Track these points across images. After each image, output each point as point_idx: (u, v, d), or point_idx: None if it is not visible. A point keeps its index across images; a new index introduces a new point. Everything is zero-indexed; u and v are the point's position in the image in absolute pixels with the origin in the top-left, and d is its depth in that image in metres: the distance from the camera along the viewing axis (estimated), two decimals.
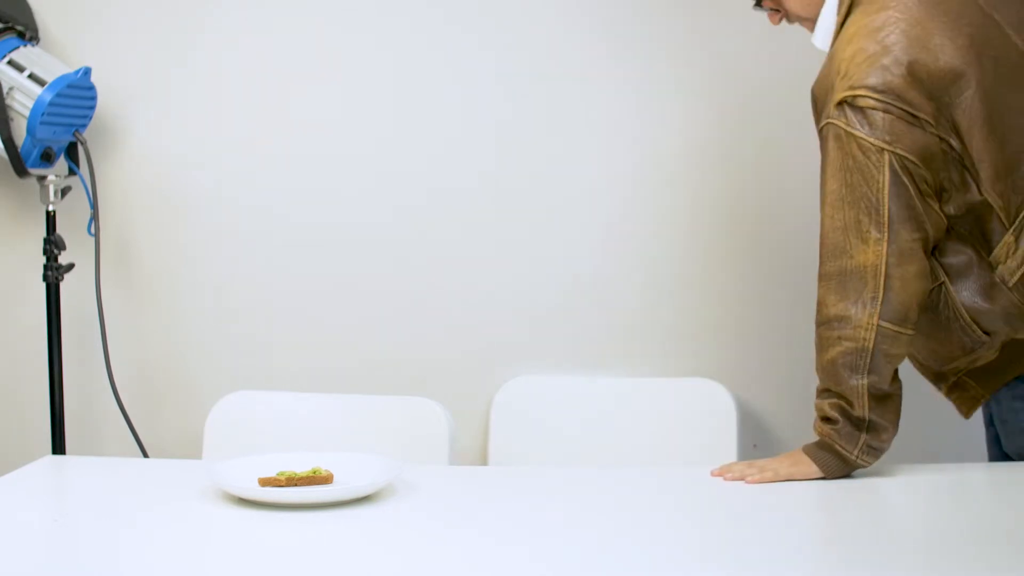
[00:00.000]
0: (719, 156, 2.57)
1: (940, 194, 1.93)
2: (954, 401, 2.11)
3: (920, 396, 2.60)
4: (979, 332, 1.97)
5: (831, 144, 1.93)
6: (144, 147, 2.63)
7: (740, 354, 2.61)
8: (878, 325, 1.89)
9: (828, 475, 1.96)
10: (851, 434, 1.93)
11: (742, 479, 1.95)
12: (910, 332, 1.91)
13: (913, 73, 1.87)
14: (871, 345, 1.90)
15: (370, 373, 2.62)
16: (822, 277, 1.94)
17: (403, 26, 2.59)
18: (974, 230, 1.95)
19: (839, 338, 1.92)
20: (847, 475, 1.96)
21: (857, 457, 1.94)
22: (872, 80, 1.88)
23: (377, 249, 2.63)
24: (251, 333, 2.65)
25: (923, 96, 1.88)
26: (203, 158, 2.63)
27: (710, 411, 2.53)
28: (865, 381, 1.91)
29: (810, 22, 2.07)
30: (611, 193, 2.61)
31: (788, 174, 2.57)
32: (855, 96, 1.88)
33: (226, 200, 2.63)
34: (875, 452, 1.94)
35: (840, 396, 1.93)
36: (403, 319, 2.64)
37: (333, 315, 2.64)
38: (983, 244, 1.95)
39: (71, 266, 2.54)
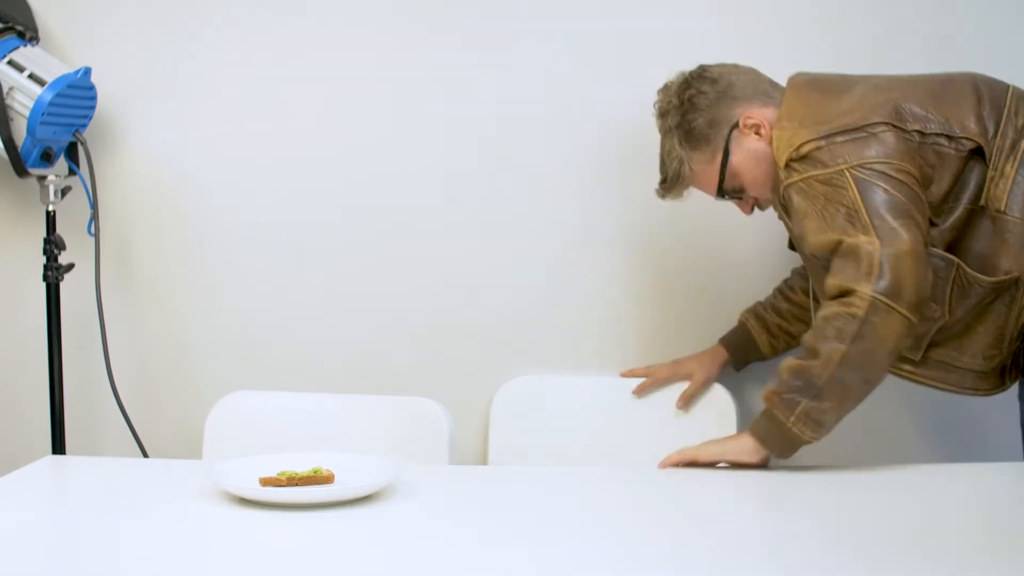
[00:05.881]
0: None
1: (927, 180, 2.04)
2: (1014, 378, 2.15)
3: (920, 398, 2.60)
4: (1000, 275, 2.05)
5: (796, 200, 2.05)
6: (144, 147, 2.63)
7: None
8: (872, 296, 1.94)
9: (764, 444, 2.00)
10: (791, 400, 1.97)
11: (685, 460, 2.04)
12: (904, 311, 1.95)
13: (829, 117, 2.06)
14: (863, 315, 1.94)
15: (370, 373, 2.62)
16: (826, 279, 2.01)
17: (404, 28, 2.59)
18: (964, 192, 2.06)
19: (840, 303, 1.97)
20: (789, 452, 1.99)
21: (793, 424, 1.95)
22: (804, 134, 2.05)
23: (377, 250, 2.63)
24: (251, 333, 2.65)
25: (854, 114, 2.05)
26: (203, 158, 2.63)
27: (710, 411, 2.53)
28: (843, 348, 1.94)
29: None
30: (611, 195, 2.61)
31: None
32: (797, 149, 2.04)
33: (226, 200, 2.63)
34: (814, 425, 1.97)
35: (811, 354, 1.97)
36: (403, 319, 2.64)
37: (333, 315, 2.64)
38: (977, 198, 2.06)
39: (71, 266, 2.54)
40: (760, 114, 2.16)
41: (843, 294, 1.97)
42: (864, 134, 2.03)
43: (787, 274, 2.50)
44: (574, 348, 2.63)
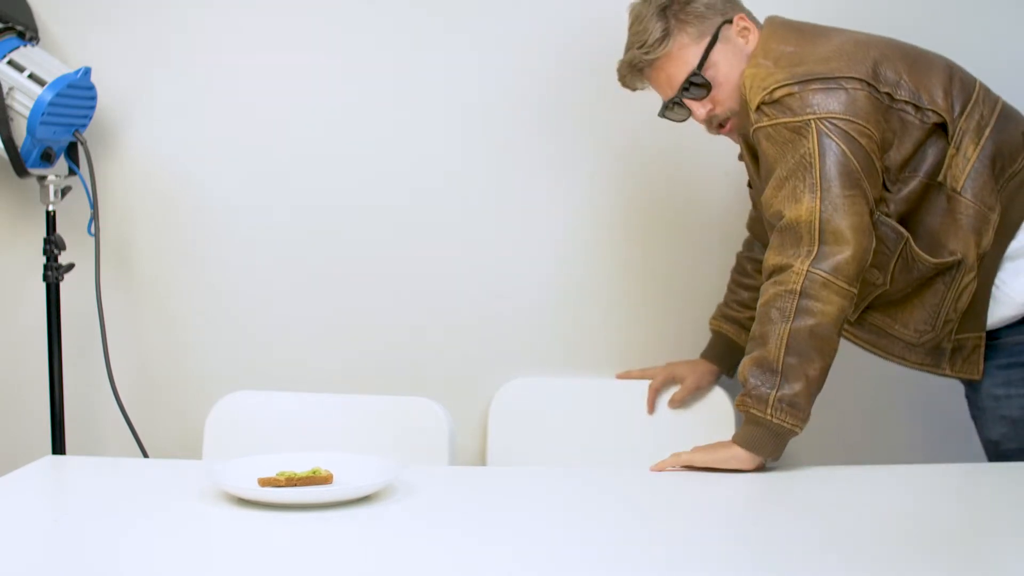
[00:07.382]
0: (715, 154, 2.57)
1: (887, 145, 2.06)
2: (960, 371, 2.16)
3: (919, 396, 2.61)
4: (945, 256, 2.07)
5: (764, 145, 2.07)
6: (144, 147, 2.63)
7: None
8: (808, 271, 1.97)
9: (753, 449, 1.99)
10: (760, 395, 1.98)
11: (678, 466, 2.03)
12: (843, 284, 1.98)
13: (806, 60, 2.06)
14: (799, 288, 1.97)
15: (370, 373, 2.62)
16: (765, 256, 2.05)
17: (399, 30, 2.60)
18: (922, 164, 2.08)
19: (774, 283, 2.00)
20: (779, 449, 1.98)
21: (772, 416, 1.95)
22: (779, 75, 2.05)
23: (377, 250, 2.63)
24: (251, 333, 2.65)
25: (831, 63, 2.05)
26: (203, 158, 2.63)
27: (708, 412, 2.53)
28: (788, 326, 1.96)
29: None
30: (610, 194, 2.61)
31: None
32: (770, 92, 2.04)
33: (226, 200, 2.63)
34: (791, 409, 1.97)
35: (761, 343, 1.98)
36: (403, 320, 2.64)
37: (333, 315, 2.64)
38: (935, 173, 2.08)
39: (71, 266, 2.54)
40: (751, 24, 2.18)
41: (779, 270, 2.00)
42: (836, 86, 2.03)
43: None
44: (573, 350, 2.64)
